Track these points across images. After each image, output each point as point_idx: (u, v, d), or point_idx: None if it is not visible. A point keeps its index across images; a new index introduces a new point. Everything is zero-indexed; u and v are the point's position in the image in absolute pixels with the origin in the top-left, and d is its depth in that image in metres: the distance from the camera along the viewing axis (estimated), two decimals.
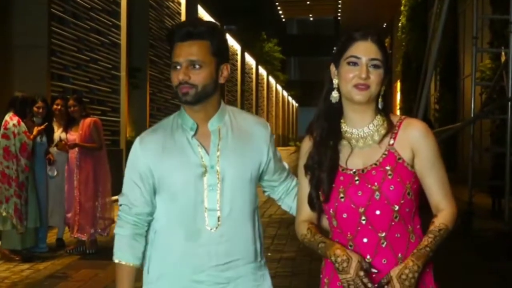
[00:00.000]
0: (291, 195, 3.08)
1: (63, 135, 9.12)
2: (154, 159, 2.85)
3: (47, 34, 11.76)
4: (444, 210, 2.63)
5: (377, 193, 2.59)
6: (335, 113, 2.72)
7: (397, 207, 2.59)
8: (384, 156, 2.64)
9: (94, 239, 9.10)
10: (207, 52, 2.78)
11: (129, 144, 15.86)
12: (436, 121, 23.59)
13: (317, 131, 2.75)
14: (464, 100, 21.18)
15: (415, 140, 2.63)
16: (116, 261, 2.89)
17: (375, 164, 2.63)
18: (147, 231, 2.91)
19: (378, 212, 2.59)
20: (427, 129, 2.67)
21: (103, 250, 9.17)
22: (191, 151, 2.83)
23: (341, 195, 2.64)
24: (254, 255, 2.91)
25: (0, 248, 8.73)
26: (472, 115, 12.64)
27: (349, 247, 2.62)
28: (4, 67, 10.32)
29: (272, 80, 46.04)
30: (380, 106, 2.68)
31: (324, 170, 2.68)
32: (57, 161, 9.16)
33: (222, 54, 2.85)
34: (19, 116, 8.47)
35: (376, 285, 2.51)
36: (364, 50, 2.63)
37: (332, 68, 2.72)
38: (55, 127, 9.28)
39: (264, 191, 3.13)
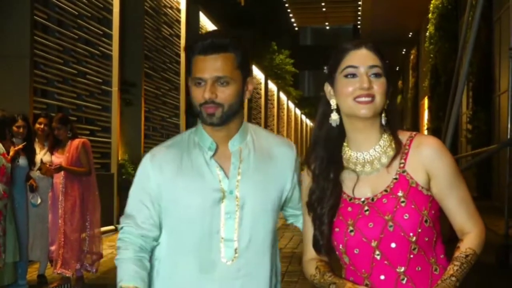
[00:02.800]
0: None
1: (46, 158, 9.12)
2: (167, 179, 2.86)
3: (29, 44, 11.79)
4: (470, 233, 2.61)
5: (390, 223, 2.56)
6: (335, 139, 2.71)
7: (414, 238, 2.56)
8: (394, 181, 2.61)
9: (80, 275, 9.08)
10: (233, 66, 2.80)
11: (121, 168, 15.89)
12: (469, 143, 23.57)
13: (315, 162, 2.73)
14: (500, 118, 21.14)
15: (429, 160, 2.60)
16: (123, 286, 2.83)
17: (386, 191, 2.61)
18: (150, 258, 2.91)
19: (393, 245, 2.57)
20: (441, 146, 2.64)
21: None
22: (208, 173, 2.84)
23: (351, 228, 2.62)
24: None
25: None
26: (508, 136, 12.60)
27: (365, 287, 2.60)
28: None
29: (283, 97, 46.09)
30: (383, 122, 2.65)
31: (325, 207, 2.66)
32: (40, 187, 9.16)
33: (246, 67, 2.87)
34: None
35: None
36: (360, 59, 2.61)
37: (327, 87, 2.72)
38: (38, 149, 9.28)
39: (286, 220, 3.12)
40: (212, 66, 2.77)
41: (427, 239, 2.58)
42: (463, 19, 15.96)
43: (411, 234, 2.55)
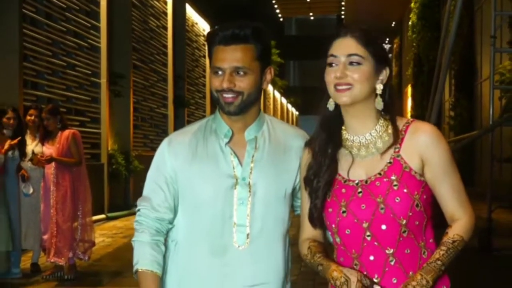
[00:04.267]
0: None
1: (38, 149, 9.12)
2: (182, 164, 2.87)
3: (18, 37, 11.77)
4: (459, 220, 2.62)
5: (382, 206, 2.58)
6: (335, 121, 2.73)
7: (404, 221, 2.57)
8: (389, 165, 2.62)
9: (73, 263, 9.09)
10: (253, 57, 2.80)
11: (111, 158, 15.89)
12: (451, 129, 23.64)
13: (316, 141, 2.76)
14: (482, 105, 21.23)
15: (424, 147, 2.60)
16: (139, 269, 2.84)
17: (379, 174, 2.62)
18: (166, 240, 2.93)
19: (384, 227, 2.59)
20: (438, 133, 2.64)
21: (82, 276, 9.19)
22: (223, 160, 2.86)
23: (343, 209, 2.63)
24: (283, 280, 2.93)
25: None
26: (490, 122, 12.67)
27: (355, 266, 2.63)
28: None
29: (269, 86, 46.05)
30: (379, 107, 2.66)
31: (321, 181, 2.69)
32: (31, 178, 9.18)
33: (266, 58, 2.87)
34: None
35: None
36: (341, 48, 2.63)
37: None
38: (29, 140, 9.28)
39: (295, 210, 3.09)
40: (231, 56, 2.78)
41: (417, 223, 2.60)
42: (445, 8, 16.01)
43: (401, 217, 2.57)
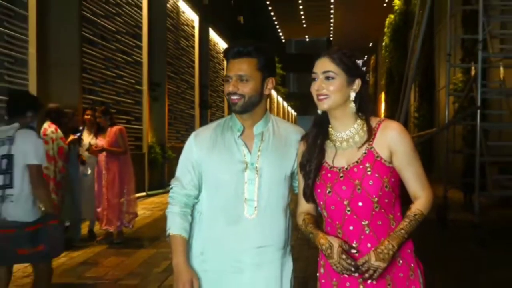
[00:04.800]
0: None
1: (93, 141, 9.14)
2: (205, 153, 2.92)
3: (79, 54, 11.78)
4: (420, 198, 2.62)
5: (358, 187, 2.59)
6: (324, 121, 2.76)
7: (376, 199, 2.58)
8: (364, 155, 2.63)
9: (120, 230, 9.11)
10: (254, 68, 2.85)
11: (151, 148, 15.90)
12: (416, 127, 23.59)
13: (309, 135, 2.79)
14: (439, 108, 21.16)
15: (391, 140, 2.61)
16: (171, 233, 2.91)
17: (357, 162, 2.63)
18: (192, 211, 2.97)
19: (360, 204, 2.60)
20: (403, 129, 2.65)
21: (128, 241, 9.21)
22: (236, 149, 2.90)
23: (329, 190, 2.66)
24: (284, 243, 2.95)
25: None
26: (446, 121, 12.62)
27: (338, 234, 2.64)
28: (42, 83, 10.35)
29: (274, 93, 46.12)
30: (352, 111, 2.67)
31: (312, 166, 2.71)
32: (88, 163, 9.20)
33: (268, 69, 2.91)
34: (55, 124, 8.50)
35: (356, 263, 2.52)
36: (319, 66, 2.66)
37: None
38: (86, 134, 9.32)
39: (294, 189, 3.13)
40: (237, 67, 2.85)
41: (386, 200, 2.60)
42: (411, 32, 15.93)
43: (374, 196, 2.58)
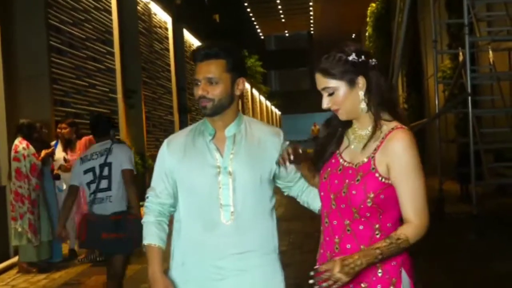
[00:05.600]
0: (306, 193, 3.12)
1: (67, 156, 9.10)
2: (177, 159, 2.96)
3: (47, 64, 11.71)
4: (411, 223, 2.50)
5: (344, 190, 2.56)
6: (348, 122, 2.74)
7: (355, 209, 2.53)
8: (364, 161, 2.57)
9: None
10: (223, 69, 2.88)
11: None
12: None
13: (333, 122, 2.76)
14: (429, 97, 21.27)
15: (391, 154, 2.51)
16: (146, 244, 3.00)
17: (355, 165, 2.59)
18: (170, 221, 3.03)
19: (343, 206, 2.57)
20: (408, 143, 2.52)
21: None
22: (208, 154, 2.93)
23: (325, 175, 2.66)
24: (272, 248, 2.96)
25: (18, 261, 8.69)
26: (437, 111, 12.69)
27: (325, 224, 2.65)
28: (10, 97, 10.27)
29: (255, 92, 46.04)
30: (364, 111, 2.60)
31: (325, 154, 2.73)
32: (63, 178, 9.14)
33: (237, 70, 2.94)
34: (27, 140, 8.45)
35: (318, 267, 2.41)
36: (318, 84, 2.63)
37: None
38: (60, 148, 9.27)
39: (283, 192, 3.19)
40: (204, 70, 2.88)
41: (368, 214, 2.52)
42: (395, 20, 16.00)
43: (353, 206, 2.53)
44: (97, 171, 5.94)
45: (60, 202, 9.10)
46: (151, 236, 2.99)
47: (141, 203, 14.60)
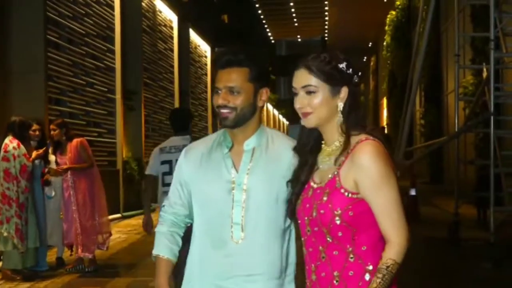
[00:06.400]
0: None
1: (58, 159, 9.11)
2: (193, 170, 2.98)
3: (43, 59, 11.75)
4: (391, 243, 2.48)
5: (314, 212, 2.56)
6: (318, 133, 2.73)
7: (325, 230, 2.53)
8: (330, 178, 2.57)
9: (93, 257, 9.06)
10: (245, 78, 2.86)
11: (126, 164, 15.85)
12: (422, 136, 23.67)
13: (302, 149, 2.77)
14: (448, 115, 21.25)
15: (358, 168, 2.50)
16: (154, 254, 3.04)
17: (322, 184, 2.59)
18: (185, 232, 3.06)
19: (316, 229, 2.57)
20: (375, 154, 2.50)
21: (101, 268, 9.14)
22: (223, 167, 2.92)
23: (299, 201, 2.67)
24: (278, 272, 2.91)
25: (1, 268, 8.69)
26: (456, 129, 12.67)
27: (304, 252, 2.67)
28: (2, 93, 10.31)
29: None
30: (338, 123, 2.61)
31: (298, 184, 2.72)
32: (53, 182, 9.14)
33: (261, 80, 2.92)
34: (18, 139, 8.46)
35: None
36: (297, 80, 2.63)
37: None
38: (52, 149, 9.28)
39: None
40: (226, 78, 2.86)
41: (340, 234, 2.52)
42: (415, 30, 16.01)
43: (324, 227, 2.53)
44: (174, 165, 5.94)
45: (48, 209, 9.12)
46: (161, 247, 3.02)
47: (138, 211, 14.62)
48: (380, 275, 2.45)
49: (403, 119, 14.00)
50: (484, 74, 12.74)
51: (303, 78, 2.60)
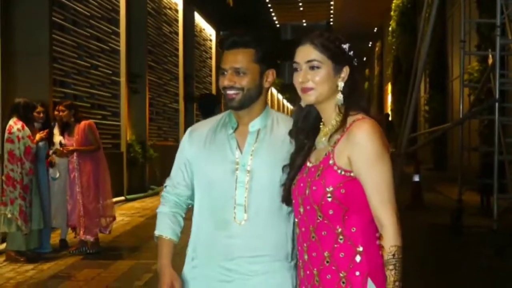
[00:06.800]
0: None
1: (63, 140, 9.12)
2: (197, 150, 3.00)
3: (48, 41, 11.73)
4: (384, 227, 2.50)
5: (307, 190, 2.59)
6: (316, 114, 2.76)
7: (317, 207, 2.55)
8: (324, 156, 2.60)
9: (96, 239, 9.09)
10: (251, 59, 2.89)
11: (130, 147, 15.87)
12: (426, 122, 23.64)
13: (300, 132, 2.80)
14: (453, 101, 21.21)
15: (353, 145, 2.52)
16: (156, 234, 3.06)
17: (317, 162, 2.63)
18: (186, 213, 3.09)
19: (308, 207, 2.60)
20: (371, 132, 2.52)
21: (104, 251, 9.19)
22: (228, 148, 2.94)
23: (295, 181, 2.70)
24: (284, 255, 2.92)
25: (5, 249, 8.73)
26: (460, 116, 12.65)
27: (296, 233, 2.72)
28: (7, 74, 10.30)
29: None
30: (338, 102, 2.64)
31: (293, 167, 2.75)
32: (58, 164, 9.16)
33: (267, 61, 2.94)
34: (22, 121, 8.47)
35: None
36: (301, 55, 2.65)
37: None
38: (58, 131, 9.29)
39: None
40: (232, 59, 2.88)
41: (331, 212, 2.53)
42: (421, 16, 15.94)
43: (315, 204, 2.55)
44: None
45: (52, 191, 9.14)
46: (164, 228, 3.04)
47: (142, 194, 14.77)
48: (391, 267, 2.48)
49: (408, 105, 13.97)
50: (490, 61, 12.69)
51: (308, 53, 2.63)
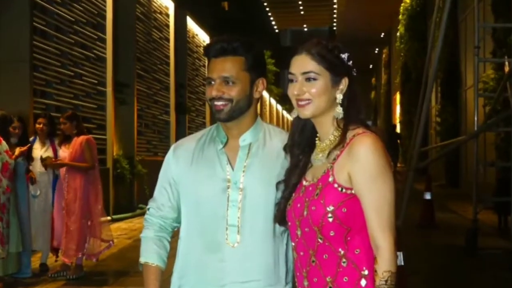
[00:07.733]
0: None
1: (46, 154, 9.08)
2: (183, 168, 2.98)
3: (28, 48, 11.74)
4: (379, 250, 2.49)
5: (306, 210, 2.58)
6: (311, 128, 2.76)
7: (316, 228, 2.54)
8: (323, 173, 2.60)
9: (80, 263, 9.03)
10: (241, 68, 2.87)
11: (116, 163, 15.85)
12: (438, 135, 23.65)
13: (295, 148, 2.80)
14: (467, 112, 21.23)
15: (354, 160, 2.52)
16: (142, 262, 3.02)
17: (315, 180, 2.62)
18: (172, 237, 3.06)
19: (307, 229, 2.59)
20: (373, 147, 2.53)
21: (88, 275, 9.13)
22: (218, 164, 2.92)
23: (290, 202, 2.68)
24: (278, 278, 2.91)
25: None
26: (475, 128, 12.64)
27: (295, 258, 2.70)
28: None
29: (265, 94, 46.10)
30: (338, 116, 2.64)
31: (288, 186, 2.75)
32: (40, 182, 9.13)
33: (257, 69, 2.93)
34: (0, 135, 8.44)
35: None
36: (296, 66, 2.65)
37: None
38: (39, 146, 9.27)
39: None
40: (220, 67, 2.87)
41: (332, 233, 2.52)
42: (431, 20, 16.00)
43: (315, 225, 2.54)
44: None
45: (33, 210, 9.10)
46: (149, 254, 3.00)
47: (130, 213, 14.69)
48: None
49: (418, 117, 13.97)
50: (506, 68, 12.72)
51: (304, 63, 2.63)
